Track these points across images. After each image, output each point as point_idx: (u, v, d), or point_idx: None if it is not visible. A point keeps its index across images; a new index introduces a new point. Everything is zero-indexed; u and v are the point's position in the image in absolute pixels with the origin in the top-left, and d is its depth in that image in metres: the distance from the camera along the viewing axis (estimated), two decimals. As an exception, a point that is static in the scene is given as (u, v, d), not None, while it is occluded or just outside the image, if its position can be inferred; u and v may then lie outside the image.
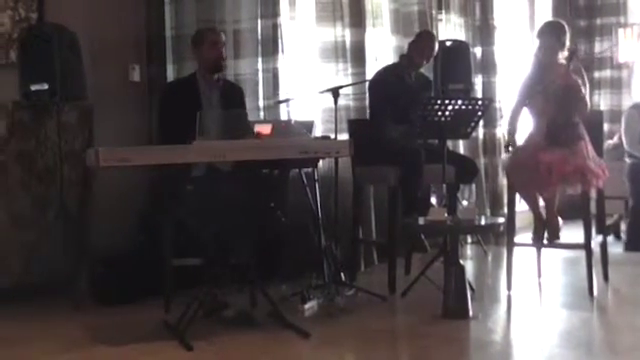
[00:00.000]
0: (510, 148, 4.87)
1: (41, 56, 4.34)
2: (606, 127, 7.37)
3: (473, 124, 4.62)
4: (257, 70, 5.14)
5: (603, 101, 8.93)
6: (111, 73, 4.88)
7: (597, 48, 9.08)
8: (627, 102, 8.42)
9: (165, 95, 4.64)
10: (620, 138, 7.51)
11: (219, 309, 4.10)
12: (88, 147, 4.40)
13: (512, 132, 4.89)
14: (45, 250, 4.42)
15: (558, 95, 4.60)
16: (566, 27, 4.84)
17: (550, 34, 4.76)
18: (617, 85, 8.97)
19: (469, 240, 6.51)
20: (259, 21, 5.12)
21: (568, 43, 4.78)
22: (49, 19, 4.65)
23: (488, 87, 6.91)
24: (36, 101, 4.46)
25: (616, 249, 6.40)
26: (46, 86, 4.36)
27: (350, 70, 5.58)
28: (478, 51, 6.88)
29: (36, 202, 4.66)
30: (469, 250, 6.38)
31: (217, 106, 4.50)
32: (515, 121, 4.88)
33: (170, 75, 5.05)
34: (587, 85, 4.78)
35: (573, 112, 4.61)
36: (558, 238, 4.80)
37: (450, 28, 6.53)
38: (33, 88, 4.38)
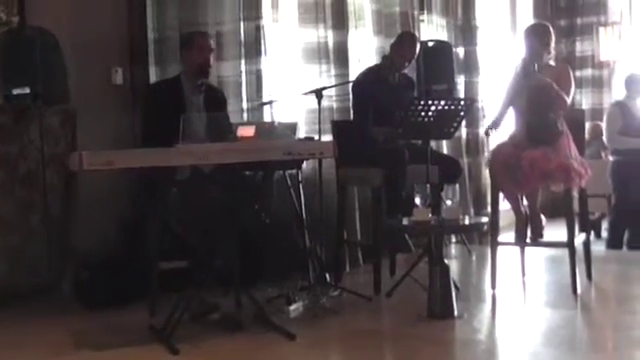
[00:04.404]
0: (490, 131, 4.90)
1: (23, 59, 4.32)
2: (588, 125, 7.47)
3: (456, 124, 4.64)
4: (240, 72, 5.13)
5: (585, 99, 9.02)
6: (94, 76, 4.86)
7: (578, 47, 9.17)
8: (608, 100, 8.51)
9: (150, 96, 4.64)
10: (590, 134, 7.61)
11: (206, 312, 4.09)
12: (71, 150, 4.38)
13: (495, 123, 4.92)
14: (29, 254, 4.40)
15: (531, 95, 4.64)
16: (550, 29, 4.89)
17: (534, 36, 4.80)
18: (598, 84, 9.06)
19: (453, 240, 6.53)
20: (242, 23, 5.12)
21: (553, 44, 4.84)
22: (31, 22, 4.62)
23: (470, 87, 6.95)
24: (18, 105, 4.44)
25: (598, 247, 6.45)
26: (28, 90, 4.33)
27: (333, 71, 5.58)
28: (460, 51, 6.91)
29: (19, 206, 4.63)
30: (453, 250, 6.41)
31: (201, 109, 4.49)
32: (500, 120, 4.91)
33: (153, 78, 5.03)
34: (572, 82, 4.81)
35: (548, 110, 4.64)
36: (541, 236, 4.82)
37: (432, 29, 6.55)
38: (15, 92, 4.35)
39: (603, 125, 7.11)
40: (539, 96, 4.62)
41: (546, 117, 4.62)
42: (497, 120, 4.92)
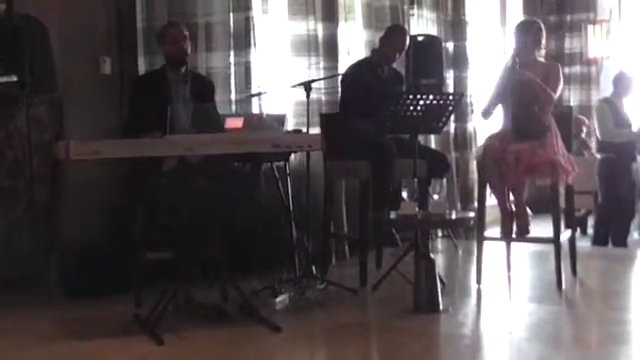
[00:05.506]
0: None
1: (10, 48, 4.29)
2: (576, 123, 7.50)
3: (444, 119, 4.64)
4: (229, 64, 5.11)
5: (572, 96, 9.06)
6: (82, 65, 4.83)
7: (567, 44, 9.21)
8: (596, 97, 8.56)
9: (134, 88, 4.62)
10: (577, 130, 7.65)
11: (192, 309, 4.08)
12: (58, 140, 4.36)
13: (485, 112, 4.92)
14: (15, 244, 4.38)
15: (515, 89, 4.66)
16: (542, 25, 4.89)
17: (526, 33, 4.81)
18: (586, 81, 9.10)
19: (440, 234, 6.55)
20: (231, 14, 5.09)
21: (544, 41, 4.85)
22: (18, 10, 4.59)
23: (459, 82, 6.96)
24: (5, 93, 4.41)
25: (583, 244, 6.49)
26: (15, 78, 4.30)
27: (322, 64, 5.58)
28: (450, 46, 6.92)
29: (5, 196, 4.60)
30: (440, 244, 6.42)
31: (187, 99, 4.47)
32: (489, 111, 4.91)
33: (142, 67, 5.01)
34: (560, 79, 4.81)
35: (533, 105, 4.65)
36: (527, 232, 4.84)
37: (422, 23, 6.56)
38: (2, 80, 4.32)
39: (594, 122, 7.12)
40: (523, 90, 4.64)
41: (531, 111, 4.64)
42: (487, 110, 4.90)
